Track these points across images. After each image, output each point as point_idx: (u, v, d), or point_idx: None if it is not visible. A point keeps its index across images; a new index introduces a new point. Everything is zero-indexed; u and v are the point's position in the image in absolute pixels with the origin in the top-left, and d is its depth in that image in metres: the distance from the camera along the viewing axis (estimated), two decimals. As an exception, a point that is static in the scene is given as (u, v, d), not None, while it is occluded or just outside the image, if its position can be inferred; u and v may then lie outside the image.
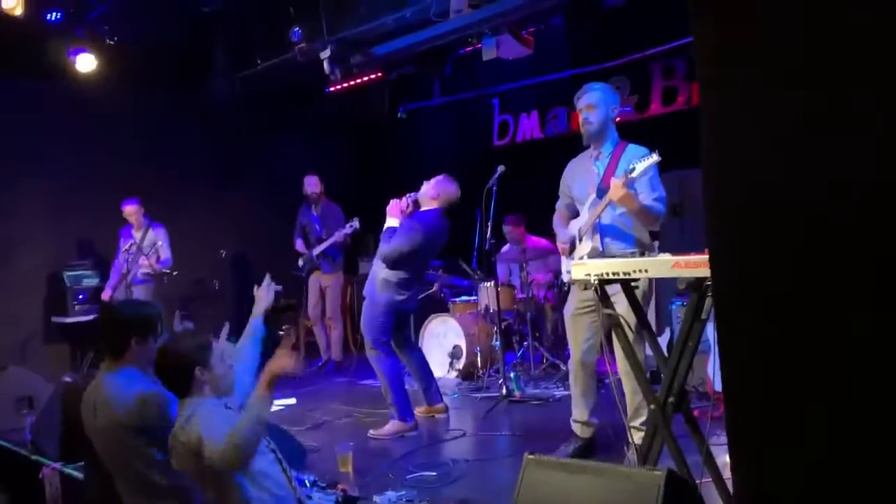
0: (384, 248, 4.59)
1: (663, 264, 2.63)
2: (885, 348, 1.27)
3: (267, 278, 3.10)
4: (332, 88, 7.42)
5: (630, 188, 3.34)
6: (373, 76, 7.08)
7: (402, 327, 4.96)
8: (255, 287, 3.08)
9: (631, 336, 2.99)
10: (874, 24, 1.25)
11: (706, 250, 2.51)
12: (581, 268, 2.86)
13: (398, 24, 6.01)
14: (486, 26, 5.81)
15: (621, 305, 3.04)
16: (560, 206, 4.03)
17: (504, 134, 8.34)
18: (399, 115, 8.39)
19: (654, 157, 3.28)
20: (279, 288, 3.02)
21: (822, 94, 1.32)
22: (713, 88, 1.55)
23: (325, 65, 6.27)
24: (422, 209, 4.76)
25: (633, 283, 2.95)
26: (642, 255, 3.08)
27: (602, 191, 3.57)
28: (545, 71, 7.69)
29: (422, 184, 4.87)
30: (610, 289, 2.97)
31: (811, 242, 1.35)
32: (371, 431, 4.59)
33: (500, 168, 5.20)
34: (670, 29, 6.65)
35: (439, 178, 4.82)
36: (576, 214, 3.87)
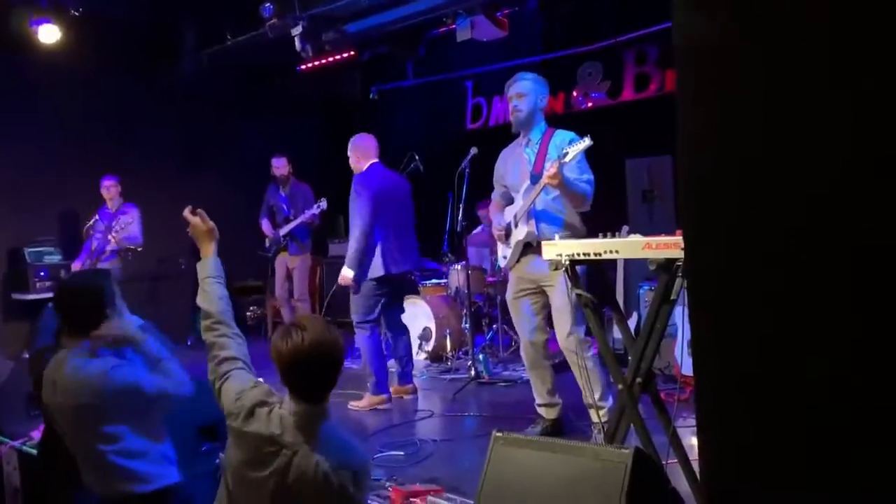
0: (354, 223, 4.64)
1: (634, 245, 2.64)
2: (859, 328, 1.28)
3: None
4: (303, 67, 7.33)
5: (562, 170, 3.41)
6: (345, 55, 7.01)
7: (395, 305, 4.98)
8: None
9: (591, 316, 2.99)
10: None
11: (676, 232, 2.54)
12: (552, 248, 2.87)
13: (371, 2, 5.94)
14: (460, 6, 5.78)
15: (559, 289, 3.10)
16: (495, 195, 4.11)
17: (477, 117, 8.32)
18: (371, 95, 8.32)
19: (586, 142, 3.36)
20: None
21: (802, 74, 1.32)
22: (690, 68, 1.54)
23: (297, 41, 6.17)
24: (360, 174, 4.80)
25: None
26: (573, 236, 3.33)
27: (535, 176, 3.67)
28: (519, 55, 7.67)
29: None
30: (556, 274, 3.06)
31: (787, 222, 1.35)
32: (350, 404, 4.75)
33: (473, 150, 5.20)
34: (643, 15, 6.67)
35: (352, 141, 4.87)
36: (510, 202, 3.93)
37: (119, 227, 6.25)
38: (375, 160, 4.82)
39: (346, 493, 1.86)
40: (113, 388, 2.43)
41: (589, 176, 3.66)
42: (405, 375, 5.06)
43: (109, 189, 6.52)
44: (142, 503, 2.45)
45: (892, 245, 1.23)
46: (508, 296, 3.95)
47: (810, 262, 1.33)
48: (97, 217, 6.47)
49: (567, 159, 3.38)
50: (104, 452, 2.44)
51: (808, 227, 1.33)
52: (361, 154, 4.81)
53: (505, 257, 3.91)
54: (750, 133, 1.39)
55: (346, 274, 4.66)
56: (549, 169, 3.42)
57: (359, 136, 4.90)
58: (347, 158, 4.87)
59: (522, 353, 3.97)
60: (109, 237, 6.26)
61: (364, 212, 4.58)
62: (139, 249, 6.51)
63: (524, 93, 3.78)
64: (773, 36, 1.36)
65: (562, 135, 3.74)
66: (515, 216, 3.80)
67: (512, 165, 3.91)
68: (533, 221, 3.70)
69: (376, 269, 4.65)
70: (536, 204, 3.68)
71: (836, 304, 1.31)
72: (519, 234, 3.76)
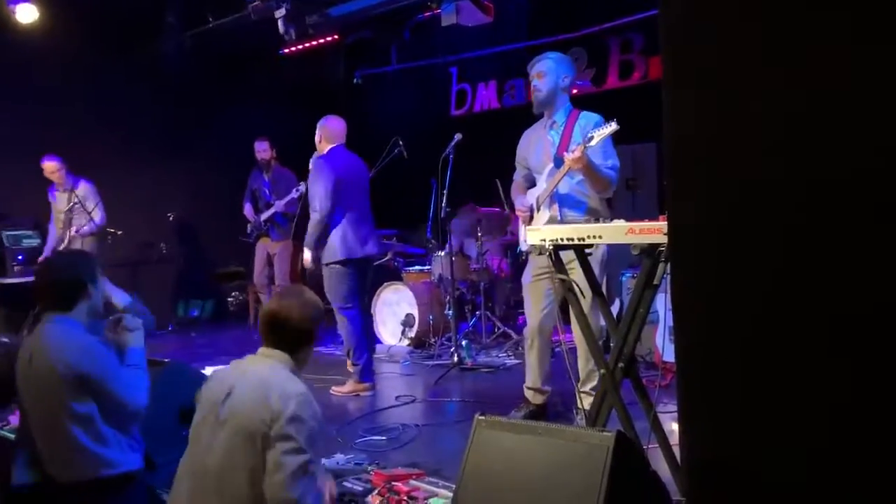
0: (313, 205, 4.63)
1: (617, 230, 2.64)
2: (839, 311, 1.29)
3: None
4: (286, 50, 7.25)
5: (588, 154, 3.35)
6: (329, 38, 6.94)
7: (363, 288, 4.91)
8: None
9: (584, 303, 3.00)
10: None
11: (660, 218, 2.54)
12: (536, 233, 2.87)
13: (356, -15, 5.90)
14: (446, -10, 5.74)
15: (577, 272, 3.05)
16: (517, 177, 4.03)
17: (462, 103, 8.29)
18: (355, 80, 8.26)
19: (613, 126, 3.28)
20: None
21: (783, 64, 1.32)
22: (677, 56, 1.53)
23: (280, 24, 6.12)
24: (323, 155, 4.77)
25: (587, 251, 2.97)
26: (597, 221, 3.12)
27: (559, 159, 3.58)
28: (504, 41, 7.64)
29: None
30: (566, 256, 2.98)
31: (770, 208, 1.35)
32: (333, 389, 4.72)
33: (457, 136, 5.17)
34: (629, 3, 6.66)
35: (321, 122, 4.82)
36: (533, 184, 3.87)
37: (78, 208, 6.11)
38: (340, 143, 4.77)
39: (275, 418, 2.03)
40: (92, 363, 2.43)
41: (614, 161, 3.60)
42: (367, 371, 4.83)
43: (53, 174, 6.35)
44: (103, 488, 2.44)
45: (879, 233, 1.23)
46: (525, 279, 3.85)
47: (794, 246, 1.34)
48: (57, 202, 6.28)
49: (592, 143, 3.31)
50: (76, 435, 2.41)
51: (790, 214, 1.33)
52: (329, 135, 4.75)
53: (525, 241, 3.84)
54: (731, 123, 1.39)
55: (306, 255, 4.67)
56: (574, 152, 3.34)
57: (330, 117, 4.84)
58: None
59: (526, 335, 3.87)
60: (67, 233, 6.13)
61: (324, 194, 4.55)
62: (119, 233, 6.43)
63: (544, 72, 3.70)
64: (758, 19, 1.35)
65: (587, 117, 3.67)
66: (538, 199, 3.72)
67: (535, 146, 3.83)
68: (556, 206, 3.64)
69: (337, 251, 4.61)
70: (560, 188, 3.61)
71: (818, 290, 1.31)
72: (541, 218, 3.67)
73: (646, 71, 6.85)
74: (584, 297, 2.97)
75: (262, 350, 2.27)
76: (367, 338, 4.83)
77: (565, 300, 3.66)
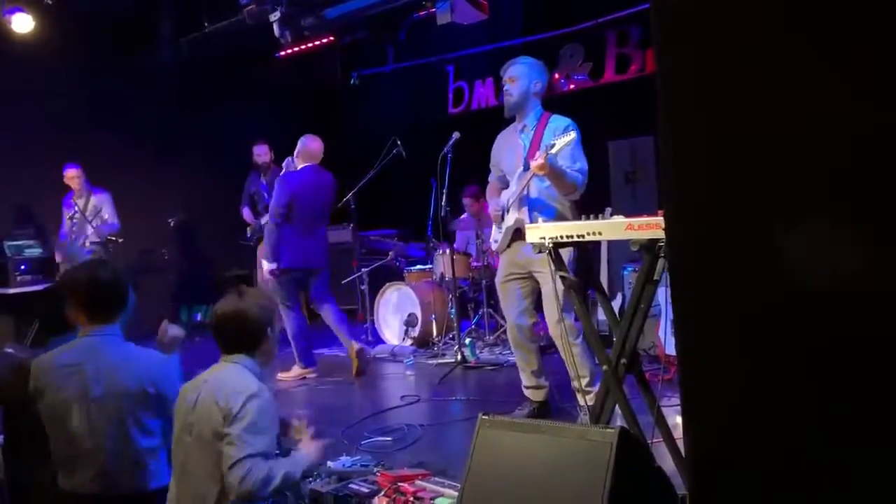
0: (269, 210, 5.19)
1: (617, 226, 2.64)
2: (840, 306, 1.29)
3: (165, 324, 2.98)
4: (282, 53, 7.25)
5: (551, 160, 3.42)
6: (324, 40, 6.93)
7: (315, 296, 5.39)
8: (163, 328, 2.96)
9: (575, 298, 3.00)
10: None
11: (659, 212, 2.54)
12: (535, 231, 2.87)
13: (350, -14, 5.89)
14: (440, -11, 5.73)
15: (549, 275, 3.14)
16: (492, 178, 4.11)
17: (459, 101, 8.29)
18: (352, 81, 8.25)
19: (572, 135, 3.39)
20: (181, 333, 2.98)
21: (780, 54, 1.32)
22: (670, 47, 1.53)
23: (275, 27, 6.11)
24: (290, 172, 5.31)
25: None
26: None
27: (529, 163, 3.64)
28: (500, 38, 7.64)
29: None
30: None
31: (766, 198, 1.35)
32: (280, 374, 5.26)
33: (455, 135, 5.17)
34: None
35: (302, 138, 5.33)
36: (507, 186, 3.93)
37: (92, 214, 6.17)
38: (313, 163, 5.26)
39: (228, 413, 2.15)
40: (165, 380, 2.47)
41: (582, 164, 3.65)
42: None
43: (72, 180, 6.46)
44: (143, 503, 2.43)
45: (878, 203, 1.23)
46: (498, 280, 3.95)
47: (792, 237, 1.33)
48: (76, 209, 6.37)
49: (553, 151, 3.39)
50: (141, 447, 2.41)
51: (786, 204, 1.33)
52: (306, 155, 5.26)
53: (496, 241, 3.91)
54: (729, 115, 1.39)
55: (264, 265, 5.19)
56: (538, 159, 3.42)
57: (311, 138, 5.30)
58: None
59: (509, 336, 3.98)
60: (87, 228, 6.18)
61: (278, 208, 5.09)
62: (121, 241, 6.45)
63: (516, 77, 3.78)
64: (748, 12, 1.35)
65: (557, 120, 3.72)
66: (509, 201, 3.79)
67: (507, 150, 3.90)
68: (525, 209, 3.69)
69: (281, 260, 5.13)
70: (530, 191, 3.68)
71: (814, 287, 1.31)
72: (509, 220, 3.77)
73: (643, 64, 6.85)
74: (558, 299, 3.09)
75: (221, 357, 2.36)
76: (305, 330, 5.34)
77: (539, 298, 3.77)
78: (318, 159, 5.28)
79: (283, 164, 5.37)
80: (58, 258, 6.41)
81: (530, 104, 3.81)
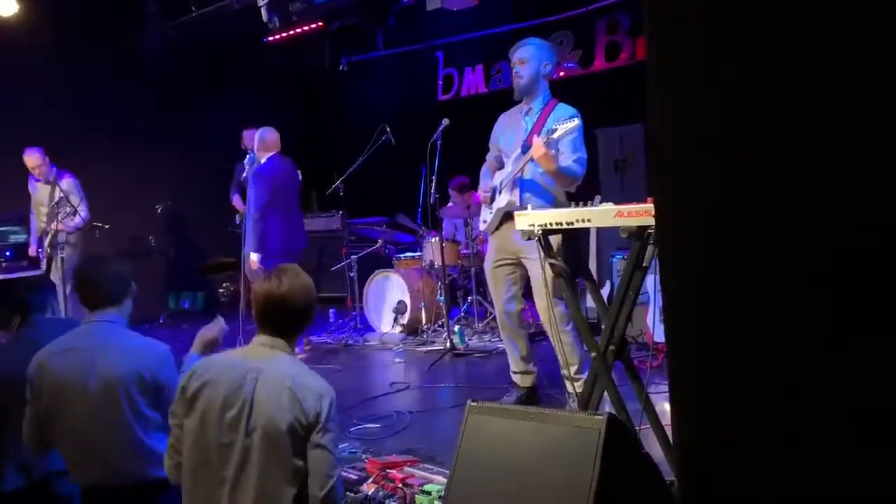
0: (250, 211, 5.22)
1: (606, 214, 2.64)
2: (832, 290, 1.29)
3: (218, 319, 2.78)
4: (270, 39, 7.19)
5: (552, 147, 3.37)
6: (313, 26, 6.88)
7: None
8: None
9: (564, 285, 3.00)
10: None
11: (648, 200, 2.54)
12: (524, 218, 2.86)
13: (339, -29, 5.85)
14: (430, -26, 5.70)
15: (539, 262, 3.12)
16: (490, 157, 4.05)
17: (448, 88, 8.25)
18: (341, 67, 8.20)
19: (575, 122, 3.32)
20: (226, 327, 2.75)
21: (771, 43, 1.31)
22: (660, 36, 1.52)
23: (263, 12, 6.08)
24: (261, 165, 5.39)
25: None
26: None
27: (527, 146, 3.60)
28: (489, 24, 7.61)
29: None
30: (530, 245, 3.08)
31: (758, 183, 1.35)
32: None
33: (445, 122, 5.16)
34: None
35: (256, 132, 5.46)
36: (503, 166, 3.89)
37: (63, 203, 5.98)
38: (276, 152, 5.37)
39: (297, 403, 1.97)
40: (163, 368, 2.43)
41: (582, 154, 3.60)
42: None
43: (35, 168, 6.13)
44: (150, 491, 2.40)
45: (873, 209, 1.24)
46: (487, 265, 3.92)
47: (783, 220, 1.34)
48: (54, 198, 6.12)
49: (555, 135, 3.33)
50: (141, 437, 2.38)
51: (777, 189, 1.33)
52: (266, 146, 5.37)
53: (485, 221, 3.89)
54: (720, 103, 1.39)
55: (252, 258, 5.19)
56: (537, 143, 3.36)
57: (265, 129, 5.42)
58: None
59: (498, 322, 3.98)
60: (52, 226, 5.99)
61: (259, 201, 5.15)
62: (107, 227, 6.37)
63: (526, 58, 3.68)
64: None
65: (563, 108, 3.66)
66: (501, 183, 3.76)
67: (509, 130, 3.85)
68: (517, 191, 3.65)
69: (273, 247, 5.17)
70: (524, 173, 3.64)
71: (809, 271, 1.31)
72: (501, 201, 3.72)
73: (633, 51, 6.84)
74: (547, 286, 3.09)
75: (262, 339, 2.11)
76: None
77: (528, 284, 3.77)
78: (279, 147, 5.41)
79: (246, 162, 5.48)
80: (31, 251, 6.31)
81: (540, 86, 3.73)
